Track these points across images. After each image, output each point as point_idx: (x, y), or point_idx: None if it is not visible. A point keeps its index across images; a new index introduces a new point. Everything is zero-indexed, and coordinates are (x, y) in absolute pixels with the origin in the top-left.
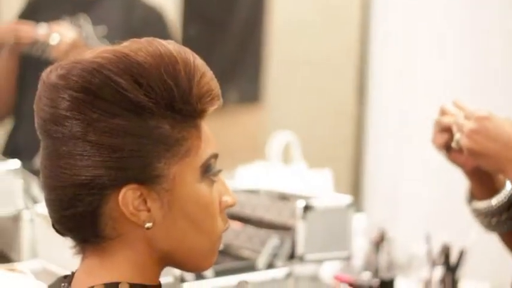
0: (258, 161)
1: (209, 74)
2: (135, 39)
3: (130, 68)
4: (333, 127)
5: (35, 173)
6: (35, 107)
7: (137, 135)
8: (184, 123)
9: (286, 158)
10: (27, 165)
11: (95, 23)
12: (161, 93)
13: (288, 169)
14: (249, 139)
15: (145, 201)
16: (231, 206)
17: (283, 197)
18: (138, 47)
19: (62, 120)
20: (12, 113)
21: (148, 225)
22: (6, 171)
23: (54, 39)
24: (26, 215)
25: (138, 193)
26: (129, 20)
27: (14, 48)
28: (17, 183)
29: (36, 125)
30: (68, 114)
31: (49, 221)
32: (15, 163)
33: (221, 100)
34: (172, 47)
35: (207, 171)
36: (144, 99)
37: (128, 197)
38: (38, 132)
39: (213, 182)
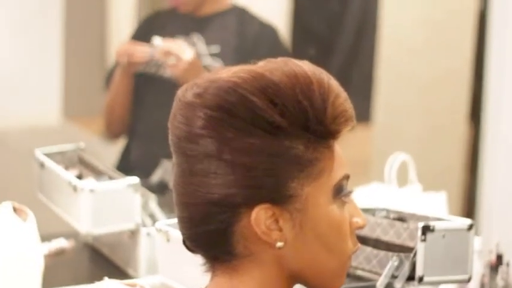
0: (371, 181)
1: (343, 94)
2: (270, 59)
3: (265, 88)
4: (445, 149)
5: (151, 189)
6: (169, 124)
7: (272, 155)
8: (317, 143)
9: (400, 179)
10: (143, 182)
11: (208, 41)
12: (296, 114)
13: (403, 191)
14: (361, 159)
15: (277, 221)
16: (362, 227)
17: (402, 218)
18: (274, 67)
19: (196, 138)
20: (126, 131)
21: (279, 244)
22: (125, 187)
23: (171, 59)
24: (143, 231)
25: (271, 212)
26: (242, 38)
27: (128, 68)
28: (136, 199)
29: (170, 142)
30: (203, 132)
31: (169, 237)
32: (134, 179)
33: (355, 121)
34: (307, 67)
35: (339, 192)
36: (279, 119)
37: (260, 216)
38: (171, 150)
39: (344, 203)
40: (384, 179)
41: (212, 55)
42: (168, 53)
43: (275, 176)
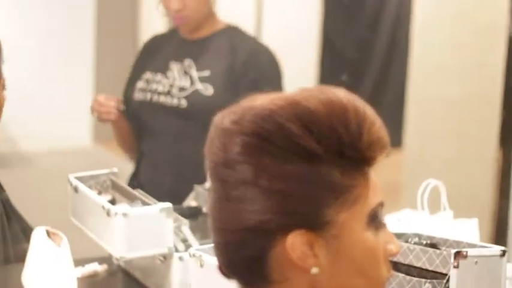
0: (402, 207)
1: (378, 122)
2: (306, 87)
3: (302, 115)
4: (476, 173)
5: (184, 214)
6: (206, 150)
7: (308, 182)
8: (353, 170)
9: (432, 205)
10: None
11: (200, 66)
12: (332, 141)
13: (435, 218)
14: (392, 184)
15: (312, 247)
16: (395, 254)
17: (434, 244)
18: (310, 94)
19: (233, 165)
20: (135, 156)
21: (314, 270)
22: (158, 212)
23: None
24: (176, 256)
25: (306, 239)
26: (233, 59)
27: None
28: (168, 224)
29: (206, 168)
30: (239, 158)
31: (202, 262)
32: (167, 204)
33: (390, 148)
34: (343, 94)
35: (374, 219)
36: (315, 146)
37: (296, 242)
38: (208, 175)
39: (378, 229)
40: (415, 205)
41: (202, 79)
42: None
43: (311, 203)
